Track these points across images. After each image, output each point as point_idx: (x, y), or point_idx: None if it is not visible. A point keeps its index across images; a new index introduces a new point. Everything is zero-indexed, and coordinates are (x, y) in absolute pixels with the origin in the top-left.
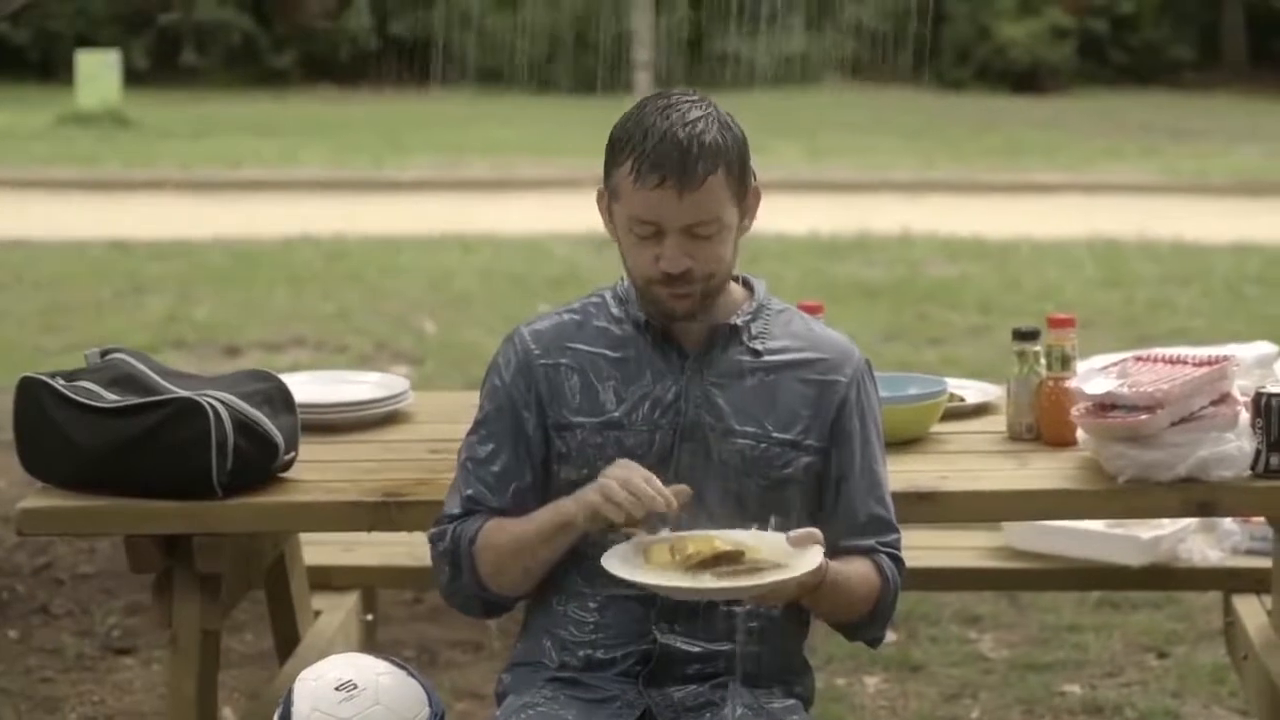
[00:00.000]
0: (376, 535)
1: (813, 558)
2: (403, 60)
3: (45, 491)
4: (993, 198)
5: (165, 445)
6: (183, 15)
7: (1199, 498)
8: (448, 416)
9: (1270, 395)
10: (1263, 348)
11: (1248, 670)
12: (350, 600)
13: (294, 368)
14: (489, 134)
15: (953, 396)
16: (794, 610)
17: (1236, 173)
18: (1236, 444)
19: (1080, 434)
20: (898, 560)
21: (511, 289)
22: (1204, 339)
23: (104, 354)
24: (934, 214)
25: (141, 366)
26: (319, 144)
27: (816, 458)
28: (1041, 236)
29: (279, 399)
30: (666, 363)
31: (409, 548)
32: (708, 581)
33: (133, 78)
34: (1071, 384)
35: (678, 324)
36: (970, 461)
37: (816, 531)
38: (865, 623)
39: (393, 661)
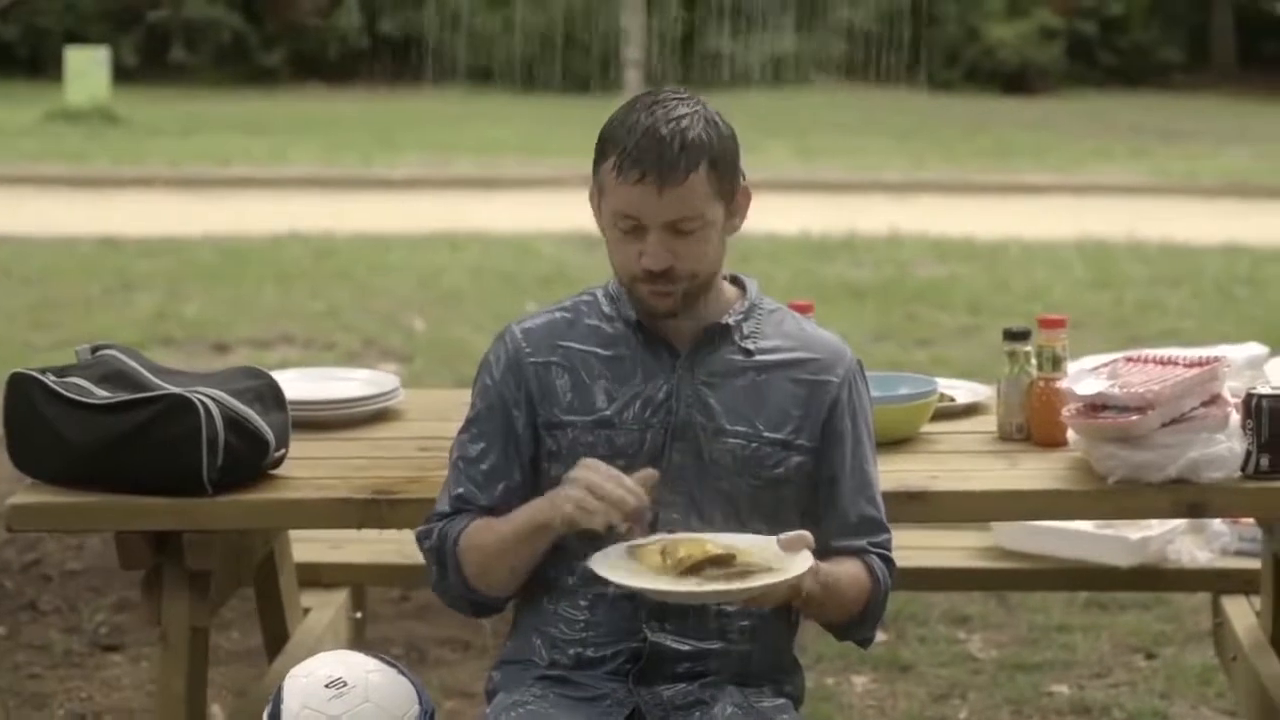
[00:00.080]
0: (366, 533)
1: (803, 561)
2: (392, 59)
3: (35, 488)
4: (982, 198)
5: (156, 442)
6: (172, 12)
7: (1189, 499)
8: (438, 414)
9: (1261, 397)
10: (1253, 349)
11: (1237, 671)
12: (339, 598)
13: (282, 365)
14: (479, 133)
15: (943, 396)
16: (784, 609)
17: (1226, 174)
18: (1227, 445)
19: (1071, 434)
20: (888, 561)
21: (500, 287)
22: (1193, 340)
23: (95, 350)
24: (924, 214)
25: (132, 363)
26: (308, 142)
27: (808, 457)
28: (1031, 237)
29: (270, 396)
30: (658, 362)
31: (398, 545)
32: (698, 585)
33: (122, 75)
34: (1062, 384)
35: (669, 323)
36: (960, 461)
37: (807, 534)
38: (856, 623)
39: (382, 659)
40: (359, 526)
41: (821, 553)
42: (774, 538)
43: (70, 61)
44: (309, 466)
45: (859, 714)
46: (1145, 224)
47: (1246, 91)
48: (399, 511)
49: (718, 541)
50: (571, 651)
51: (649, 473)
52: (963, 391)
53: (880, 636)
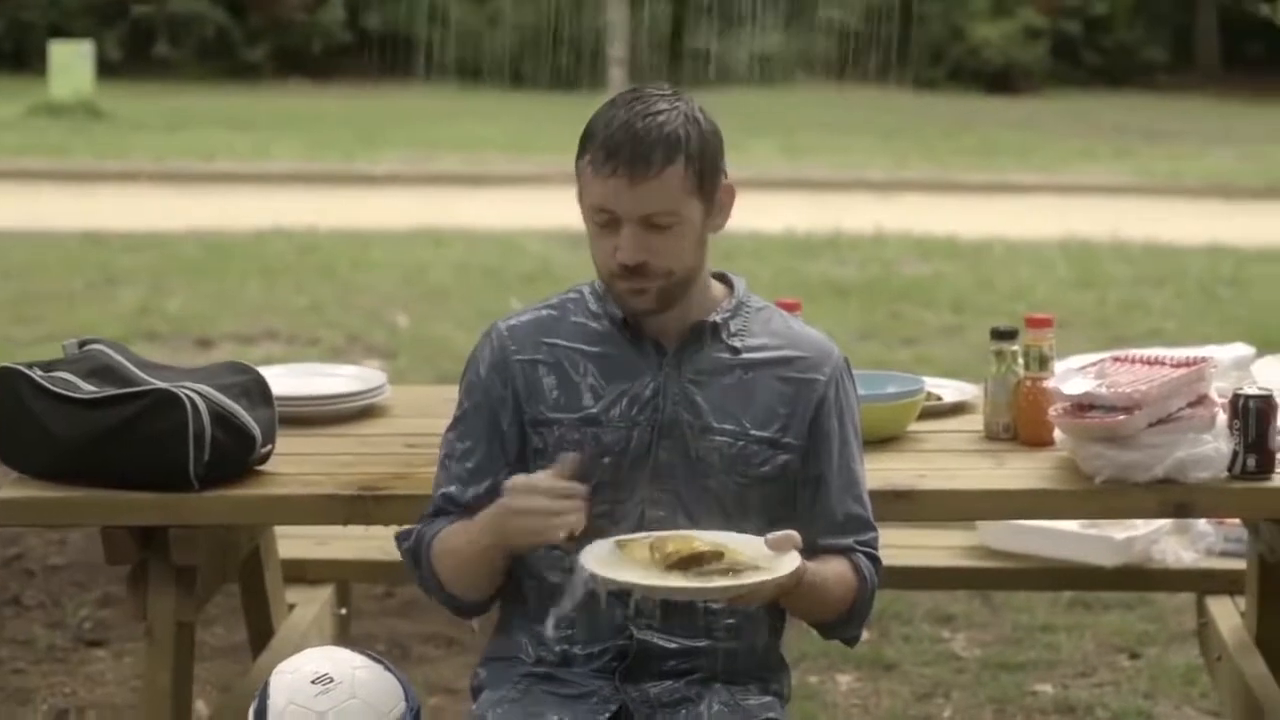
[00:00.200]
0: (351, 529)
1: (790, 560)
2: (377, 55)
3: (21, 482)
4: (966, 197)
5: (142, 436)
6: (156, 7)
7: (1176, 499)
8: (424, 410)
9: (1247, 397)
10: (1240, 349)
11: (1221, 671)
12: (324, 594)
13: (266, 360)
14: (463, 129)
15: (930, 395)
16: (771, 608)
17: (1210, 175)
18: (1214, 445)
19: (1058, 434)
20: (875, 559)
21: (484, 284)
22: (1177, 340)
23: (82, 345)
24: (908, 213)
25: (119, 358)
26: (292, 138)
27: (794, 456)
28: (1015, 237)
29: (256, 392)
30: (645, 359)
31: (383, 542)
32: (685, 581)
33: (106, 69)
34: (1050, 384)
35: (656, 320)
36: (947, 460)
37: (795, 534)
38: (842, 621)
39: (369, 655)
40: (345, 523)
41: (808, 551)
42: (761, 537)
43: (54, 55)
44: (295, 462)
45: (843, 712)
46: (1129, 224)
47: (1230, 92)
48: (385, 507)
49: (705, 539)
50: (558, 648)
51: (571, 457)
52: (950, 390)
53: (864, 635)
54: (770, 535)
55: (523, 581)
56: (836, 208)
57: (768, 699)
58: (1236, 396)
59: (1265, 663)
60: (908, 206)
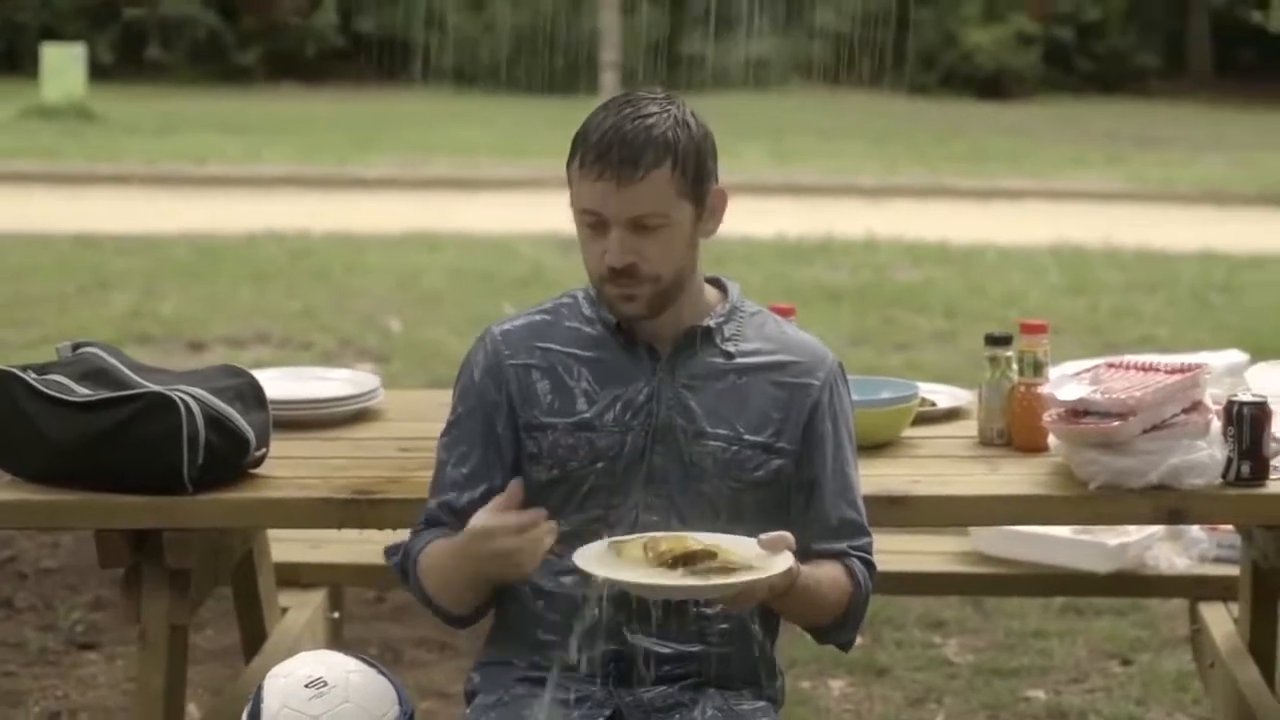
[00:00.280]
0: (344, 533)
1: (783, 560)
2: (368, 59)
3: (14, 485)
4: (958, 203)
5: (136, 440)
6: (148, 10)
7: (1170, 505)
8: (418, 415)
9: (1242, 404)
10: (1234, 356)
11: (1214, 678)
12: (317, 598)
13: (258, 364)
14: (455, 133)
15: (924, 401)
16: (765, 612)
17: (1202, 181)
18: (1208, 452)
19: (1052, 440)
20: (869, 564)
21: (477, 288)
22: (1169, 347)
23: (75, 347)
24: (899, 219)
25: (113, 361)
26: (284, 141)
27: (788, 460)
28: (1006, 242)
29: (251, 395)
30: (638, 364)
31: (376, 546)
32: (678, 579)
33: (98, 72)
34: (1044, 389)
35: (649, 325)
36: (941, 466)
37: (788, 535)
38: (837, 625)
39: (363, 659)
40: (339, 526)
41: (802, 555)
42: (755, 538)
43: (46, 58)
44: (289, 466)
45: (835, 718)
46: (1121, 230)
47: (1223, 99)
48: (379, 511)
49: (699, 539)
50: (552, 653)
51: (514, 486)
52: (944, 396)
53: (857, 640)
54: (763, 535)
55: (515, 587)
56: (828, 213)
57: (761, 704)
58: (1231, 403)
59: (1258, 669)
60: (900, 212)
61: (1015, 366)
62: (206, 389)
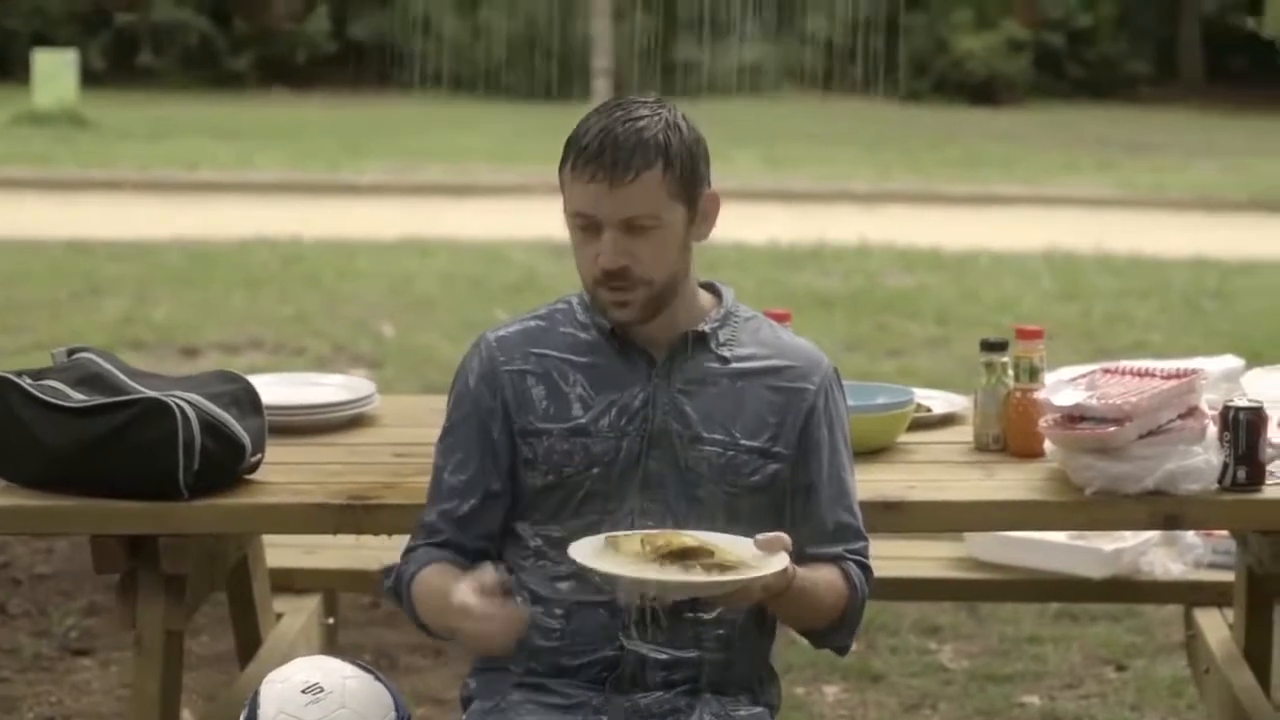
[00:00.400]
0: (339, 539)
1: (779, 560)
2: (361, 65)
3: (9, 490)
4: (950, 209)
5: (132, 445)
6: (140, 16)
7: (1166, 510)
8: (413, 420)
9: (1238, 409)
10: (1230, 362)
11: (1209, 684)
12: (312, 603)
13: (251, 370)
14: (447, 139)
15: (919, 407)
16: (761, 618)
17: (1193, 187)
18: (1204, 457)
19: (1048, 445)
20: (866, 568)
21: (470, 294)
22: (1162, 352)
23: (71, 353)
24: (892, 225)
25: (109, 366)
26: (276, 147)
27: (784, 465)
28: (999, 248)
29: (246, 401)
30: (634, 369)
31: (371, 552)
32: (673, 574)
33: (89, 78)
34: (1040, 395)
35: (644, 330)
36: (937, 472)
37: (784, 536)
38: (833, 629)
39: (359, 665)
40: (335, 532)
41: (798, 560)
42: (751, 538)
43: (38, 64)
44: (285, 471)
45: None
46: (1113, 236)
47: (1214, 105)
48: (375, 517)
49: (697, 536)
50: (548, 659)
51: (489, 577)
52: (939, 402)
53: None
54: (760, 536)
55: (512, 593)
56: (821, 219)
57: (758, 710)
58: (1227, 408)
59: (1253, 675)
60: (892, 218)
61: (1011, 372)
62: (202, 394)
